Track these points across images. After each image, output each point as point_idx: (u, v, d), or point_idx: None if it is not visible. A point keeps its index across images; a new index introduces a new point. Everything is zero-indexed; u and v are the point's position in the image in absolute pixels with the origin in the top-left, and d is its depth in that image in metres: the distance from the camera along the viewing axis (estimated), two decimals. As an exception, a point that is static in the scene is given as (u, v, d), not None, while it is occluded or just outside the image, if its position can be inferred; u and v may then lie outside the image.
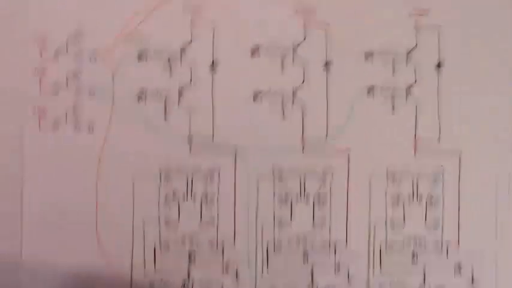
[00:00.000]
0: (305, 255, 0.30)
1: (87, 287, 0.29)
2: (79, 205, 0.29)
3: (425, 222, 0.30)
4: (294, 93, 0.30)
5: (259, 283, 0.30)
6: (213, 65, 0.30)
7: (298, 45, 0.30)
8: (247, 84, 0.30)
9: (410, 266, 0.30)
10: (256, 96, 0.30)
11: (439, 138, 0.30)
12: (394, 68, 0.30)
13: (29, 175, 0.29)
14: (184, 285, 0.30)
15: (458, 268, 0.30)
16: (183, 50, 0.30)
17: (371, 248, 0.30)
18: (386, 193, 0.30)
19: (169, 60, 0.30)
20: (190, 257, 0.30)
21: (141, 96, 0.30)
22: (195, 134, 0.30)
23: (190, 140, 0.30)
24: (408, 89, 0.30)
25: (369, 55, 0.30)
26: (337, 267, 0.30)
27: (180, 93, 0.30)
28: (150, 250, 0.29)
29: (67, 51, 0.29)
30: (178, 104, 0.30)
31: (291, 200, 0.30)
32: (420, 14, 0.30)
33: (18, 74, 0.29)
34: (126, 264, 0.29)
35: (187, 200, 0.30)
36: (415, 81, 0.30)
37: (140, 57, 0.30)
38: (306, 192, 0.30)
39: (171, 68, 0.30)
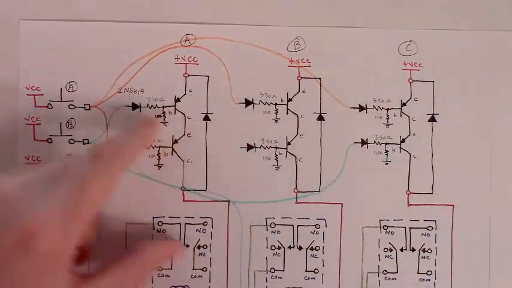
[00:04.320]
0: (297, 306, 0.30)
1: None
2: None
3: (418, 273, 0.30)
4: (287, 145, 0.30)
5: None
6: (207, 116, 0.30)
7: (293, 97, 0.30)
8: (241, 135, 0.30)
9: (402, 318, 0.30)
10: (249, 147, 0.30)
11: (432, 190, 0.30)
12: (388, 120, 0.30)
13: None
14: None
15: (450, 320, 0.30)
16: (177, 101, 0.30)
17: (363, 300, 0.30)
18: (379, 244, 0.30)
19: (163, 111, 0.30)
20: (183, 308, 0.30)
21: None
22: (188, 183, 0.30)
23: (183, 189, 0.30)
24: (402, 142, 0.30)
25: (362, 107, 0.30)
26: (329, 319, 0.30)
27: (174, 143, 0.30)
28: (142, 300, 0.30)
29: (61, 101, 0.30)
30: (172, 154, 0.30)
31: (284, 250, 0.30)
32: (414, 69, 0.30)
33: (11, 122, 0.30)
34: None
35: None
36: (409, 133, 0.30)
37: (134, 107, 0.30)
38: (298, 243, 0.30)
39: (165, 118, 0.30)
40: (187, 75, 0.30)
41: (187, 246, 0.30)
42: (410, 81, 0.30)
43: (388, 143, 0.30)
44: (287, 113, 0.30)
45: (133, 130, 0.28)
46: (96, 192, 0.24)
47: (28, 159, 0.29)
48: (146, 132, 0.28)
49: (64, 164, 0.25)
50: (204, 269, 0.30)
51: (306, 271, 0.30)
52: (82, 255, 0.27)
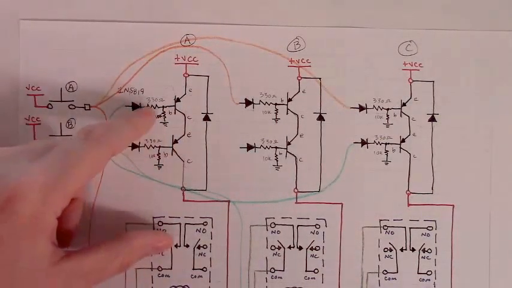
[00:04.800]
0: (297, 306, 0.30)
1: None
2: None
3: (418, 273, 0.30)
4: (287, 145, 0.30)
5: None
6: (207, 116, 0.30)
7: (293, 97, 0.30)
8: (241, 135, 0.30)
9: (402, 318, 0.30)
10: (249, 147, 0.30)
11: (432, 190, 0.30)
12: (388, 120, 0.30)
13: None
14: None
15: (450, 320, 0.30)
16: (177, 101, 0.30)
17: (363, 300, 0.30)
18: (379, 244, 0.30)
19: (163, 111, 0.30)
20: (183, 307, 0.30)
21: (135, 144, 0.30)
22: (188, 183, 0.30)
23: (183, 189, 0.30)
24: (402, 142, 0.30)
25: (362, 107, 0.30)
26: (329, 319, 0.30)
27: (174, 143, 0.30)
28: (142, 300, 0.30)
29: (61, 101, 0.30)
30: (172, 154, 0.30)
31: (284, 250, 0.30)
32: (414, 69, 0.30)
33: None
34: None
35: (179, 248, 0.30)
36: (409, 133, 0.30)
37: (134, 107, 0.30)
38: (298, 243, 0.30)
39: (165, 118, 0.30)
40: (187, 75, 0.30)
41: (187, 246, 0.30)
42: (410, 81, 0.30)
43: (388, 143, 0.30)
44: (287, 113, 0.30)
45: (129, 118, 0.28)
46: (82, 170, 0.24)
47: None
48: (141, 121, 0.28)
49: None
50: (204, 269, 0.30)
51: (306, 271, 0.30)
52: (66, 236, 0.27)
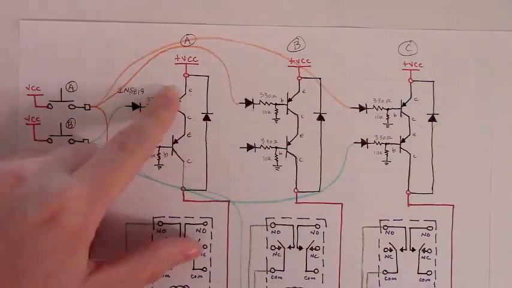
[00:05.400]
0: (297, 306, 0.30)
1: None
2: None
3: (418, 273, 0.30)
4: (287, 145, 0.30)
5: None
6: (207, 116, 0.30)
7: (293, 97, 0.30)
8: (241, 135, 0.30)
9: (402, 318, 0.30)
10: (249, 147, 0.30)
11: (432, 190, 0.30)
12: (388, 120, 0.30)
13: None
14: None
15: (450, 320, 0.30)
16: (177, 101, 0.30)
17: (363, 300, 0.30)
18: (379, 244, 0.30)
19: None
20: (183, 308, 0.30)
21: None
22: (188, 183, 0.30)
23: (183, 189, 0.30)
24: (402, 142, 0.30)
25: (362, 107, 0.30)
26: (329, 319, 0.30)
27: (174, 143, 0.30)
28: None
29: (61, 101, 0.30)
30: (172, 154, 0.30)
31: (284, 250, 0.30)
32: (414, 69, 0.30)
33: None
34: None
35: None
36: (409, 133, 0.30)
37: (134, 107, 0.30)
38: (298, 243, 0.30)
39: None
40: (187, 75, 0.30)
41: (188, 246, 0.30)
42: (410, 81, 0.30)
43: (388, 143, 0.30)
44: (287, 113, 0.30)
45: (155, 114, 0.27)
46: (121, 181, 0.24)
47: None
48: (168, 116, 0.28)
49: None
50: (204, 269, 0.30)
51: (306, 271, 0.30)
52: (92, 247, 0.27)
